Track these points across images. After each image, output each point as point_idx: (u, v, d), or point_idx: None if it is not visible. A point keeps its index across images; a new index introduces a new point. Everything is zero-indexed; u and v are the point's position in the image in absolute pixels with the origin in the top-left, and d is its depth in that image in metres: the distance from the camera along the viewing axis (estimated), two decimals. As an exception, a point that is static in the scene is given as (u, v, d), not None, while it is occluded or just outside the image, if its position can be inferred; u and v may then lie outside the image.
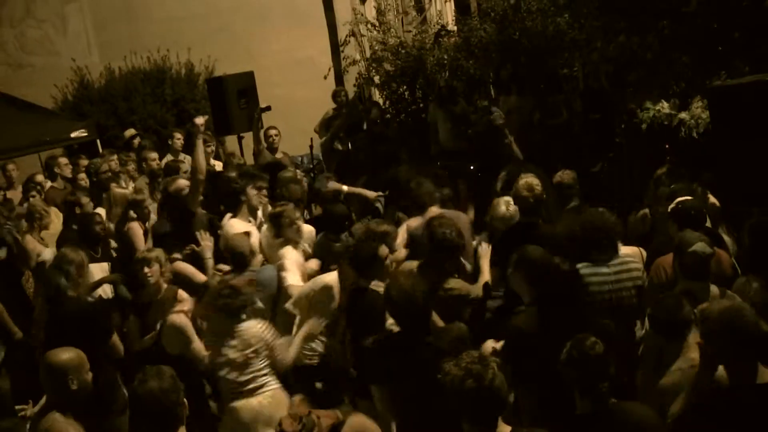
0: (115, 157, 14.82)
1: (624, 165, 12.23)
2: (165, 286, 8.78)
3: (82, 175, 14.16)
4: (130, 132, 17.23)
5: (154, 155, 14.42)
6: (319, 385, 6.61)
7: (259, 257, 9.65)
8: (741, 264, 7.85)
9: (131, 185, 13.68)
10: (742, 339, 5.13)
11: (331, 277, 8.30)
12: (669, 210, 8.24)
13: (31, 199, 13.15)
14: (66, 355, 6.47)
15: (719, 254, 7.67)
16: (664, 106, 11.40)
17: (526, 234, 8.25)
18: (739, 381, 5.18)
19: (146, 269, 8.69)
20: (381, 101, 18.10)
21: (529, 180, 8.84)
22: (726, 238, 8.44)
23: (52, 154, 15.77)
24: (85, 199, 11.83)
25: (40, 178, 14.07)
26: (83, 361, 6.49)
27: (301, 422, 5.95)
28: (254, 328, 7.85)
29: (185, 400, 5.69)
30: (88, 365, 6.52)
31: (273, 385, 7.86)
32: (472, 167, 13.87)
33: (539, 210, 8.87)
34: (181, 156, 15.02)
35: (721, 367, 5.35)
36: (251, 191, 10.66)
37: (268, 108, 14.74)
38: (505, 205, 9.16)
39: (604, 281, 7.54)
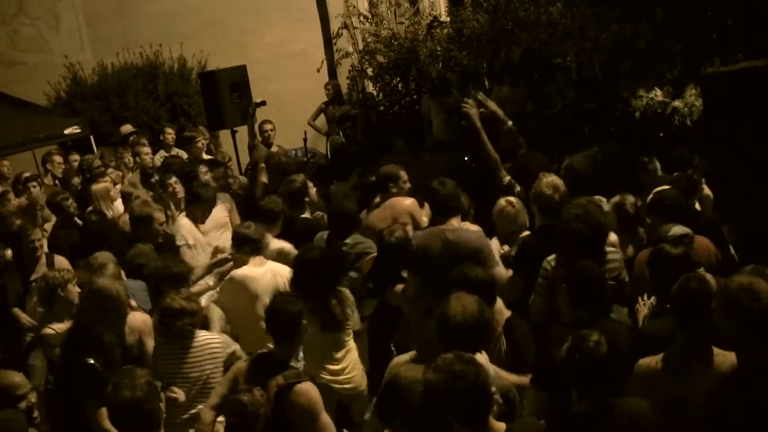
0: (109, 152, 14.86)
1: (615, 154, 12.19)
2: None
3: (76, 179, 14.17)
4: (127, 128, 17.20)
5: (147, 150, 14.44)
6: None
7: None
8: (737, 252, 7.82)
9: (129, 176, 13.70)
10: (762, 314, 4.91)
11: None
12: (648, 201, 8.19)
13: (32, 189, 13.19)
14: (16, 377, 6.41)
15: (703, 242, 7.63)
16: (658, 94, 11.38)
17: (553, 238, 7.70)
18: (753, 367, 5.01)
19: None
20: (374, 93, 18.09)
21: (552, 178, 8.22)
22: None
23: (49, 151, 15.78)
24: (66, 203, 11.75)
25: (27, 174, 14.03)
26: (20, 387, 6.40)
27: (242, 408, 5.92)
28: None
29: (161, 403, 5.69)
30: (25, 389, 6.43)
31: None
32: (466, 158, 13.83)
33: (561, 211, 7.99)
34: (174, 151, 15.03)
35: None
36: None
37: (263, 103, 14.75)
38: (506, 203, 8.65)
39: None
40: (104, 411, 6.32)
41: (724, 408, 4.99)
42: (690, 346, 5.62)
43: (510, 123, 10.37)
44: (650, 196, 8.24)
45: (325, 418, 6.26)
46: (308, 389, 6.22)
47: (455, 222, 8.08)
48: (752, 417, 4.88)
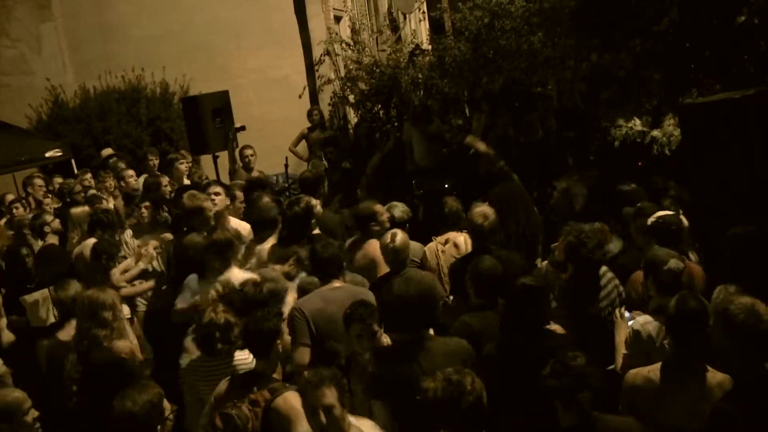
0: (89, 175, 14.83)
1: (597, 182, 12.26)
2: None
3: (48, 200, 14.19)
4: (107, 151, 17.19)
5: (132, 173, 14.45)
6: None
7: None
8: (716, 275, 7.89)
9: (111, 202, 13.70)
10: (763, 334, 5.21)
11: None
12: (648, 225, 8.28)
13: (14, 210, 13.22)
14: (11, 396, 6.32)
15: (691, 268, 7.76)
16: (637, 124, 11.48)
17: None
18: (750, 380, 5.26)
19: None
20: (355, 120, 18.17)
21: (483, 208, 9.00)
22: (692, 255, 8.48)
23: (30, 174, 15.76)
24: (54, 222, 11.74)
25: (10, 197, 14.07)
26: (24, 402, 6.30)
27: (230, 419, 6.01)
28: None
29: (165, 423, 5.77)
30: (29, 404, 6.32)
31: None
32: (446, 185, 13.91)
33: (492, 238, 8.93)
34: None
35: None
36: None
37: (243, 128, 14.81)
38: (391, 236, 8.74)
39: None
40: None
41: (727, 420, 5.18)
42: (685, 362, 5.86)
43: (502, 162, 10.82)
44: (651, 219, 8.32)
45: (304, 427, 6.07)
46: (288, 397, 6.14)
47: (337, 283, 8.10)
48: (752, 427, 5.10)
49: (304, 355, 7.60)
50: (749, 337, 5.22)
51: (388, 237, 8.71)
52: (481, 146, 11.48)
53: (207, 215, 10.41)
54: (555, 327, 6.86)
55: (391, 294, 7.09)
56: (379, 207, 9.82)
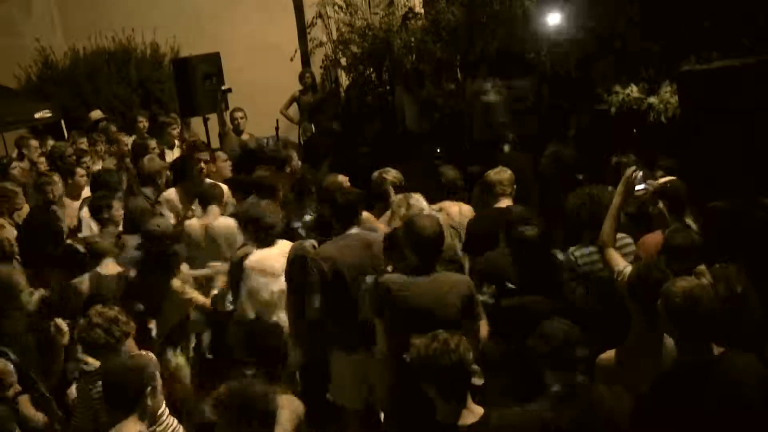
0: (84, 139, 14.75)
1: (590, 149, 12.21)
2: None
3: (42, 158, 14.11)
4: (97, 113, 17.08)
5: (124, 136, 14.43)
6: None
7: None
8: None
9: (100, 164, 13.64)
10: (700, 319, 5.11)
11: None
12: (658, 190, 8.23)
13: (12, 172, 13.10)
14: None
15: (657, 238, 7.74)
16: (633, 90, 11.37)
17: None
18: (691, 359, 5.19)
19: None
20: (347, 83, 18.08)
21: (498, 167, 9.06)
22: (692, 223, 8.43)
23: (23, 135, 15.68)
24: (57, 188, 11.53)
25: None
26: (7, 376, 6.28)
27: None
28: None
29: None
30: (13, 379, 6.32)
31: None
32: (438, 150, 13.85)
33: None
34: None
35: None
36: None
37: (229, 90, 14.77)
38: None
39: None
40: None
41: (650, 408, 5.16)
42: (645, 328, 5.77)
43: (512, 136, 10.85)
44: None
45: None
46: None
47: (355, 229, 8.20)
48: (684, 414, 5.06)
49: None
50: (687, 322, 5.13)
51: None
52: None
53: (161, 180, 11.04)
54: None
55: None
56: (342, 177, 9.80)
